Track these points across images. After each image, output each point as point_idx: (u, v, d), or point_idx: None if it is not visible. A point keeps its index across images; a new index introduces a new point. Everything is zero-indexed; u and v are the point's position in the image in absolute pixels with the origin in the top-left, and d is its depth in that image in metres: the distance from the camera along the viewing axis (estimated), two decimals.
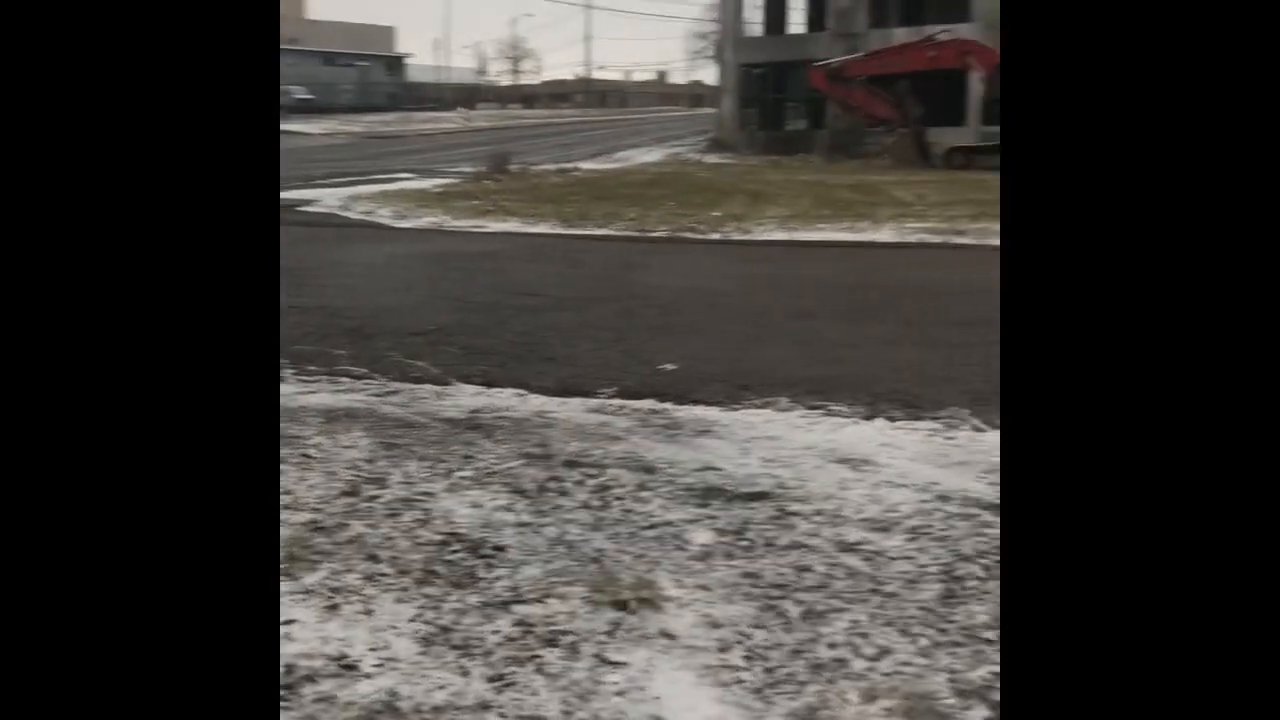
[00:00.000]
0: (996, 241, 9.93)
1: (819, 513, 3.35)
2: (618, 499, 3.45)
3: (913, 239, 10.98)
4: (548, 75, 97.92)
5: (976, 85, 26.38)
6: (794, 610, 2.71)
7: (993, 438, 4.18)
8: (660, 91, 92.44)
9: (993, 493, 3.53)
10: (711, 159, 27.81)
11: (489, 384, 4.98)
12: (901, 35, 28.94)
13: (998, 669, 2.42)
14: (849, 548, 3.09)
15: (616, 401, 4.71)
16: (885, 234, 11.37)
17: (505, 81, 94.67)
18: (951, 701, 2.32)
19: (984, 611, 2.70)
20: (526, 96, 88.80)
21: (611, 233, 11.83)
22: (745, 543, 3.12)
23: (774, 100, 32.22)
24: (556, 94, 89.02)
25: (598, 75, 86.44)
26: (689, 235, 11.59)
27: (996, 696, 2.32)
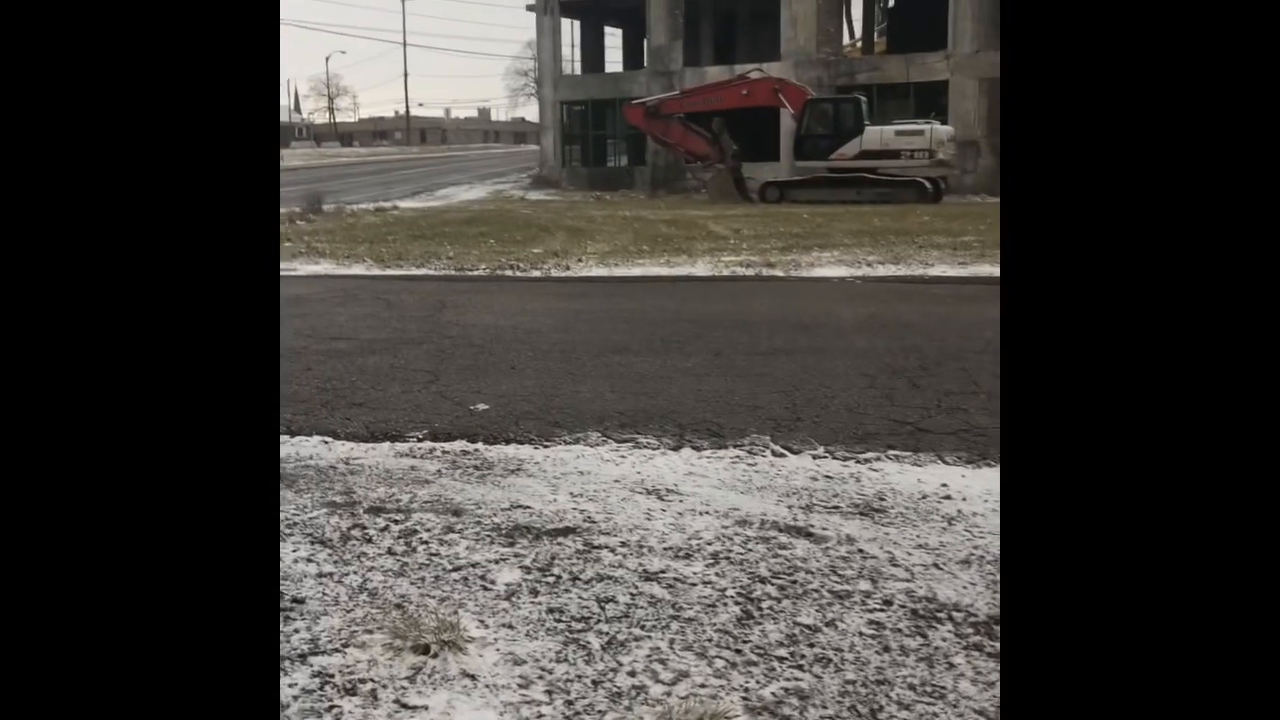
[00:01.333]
0: (805, 273, 10.29)
1: (624, 544, 3.42)
2: (423, 543, 3.44)
3: (726, 272, 11.32)
4: (365, 113, 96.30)
5: (788, 122, 27.44)
6: (596, 642, 2.76)
7: (793, 462, 4.37)
8: (482, 128, 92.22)
9: (791, 515, 3.69)
10: (534, 195, 27.95)
11: (292, 433, 4.86)
12: (715, 73, 29.93)
13: (787, 685, 2.54)
14: (651, 577, 3.17)
15: (426, 444, 4.68)
16: (701, 268, 11.68)
17: (321, 119, 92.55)
18: (744, 719, 2.42)
19: (778, 630, 2.82)
20: (344, 134, 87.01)
21: (429, 272, 11.73)
22: (551, 578, 3.16)
23: (595, 137, 32.69)
24: (375, 131, 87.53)
25: (417, 112, 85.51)
26: (508, 273, 11.61)
27: (786, 711, 2.43)
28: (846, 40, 35.89)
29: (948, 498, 3.84)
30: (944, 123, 27.18)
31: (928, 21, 30.75)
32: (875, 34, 37.71)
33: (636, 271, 11.60)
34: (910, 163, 24.58)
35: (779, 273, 11.13)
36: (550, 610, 2.94)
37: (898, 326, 7.47)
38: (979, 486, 3.96)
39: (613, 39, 37.15)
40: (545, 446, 4.64)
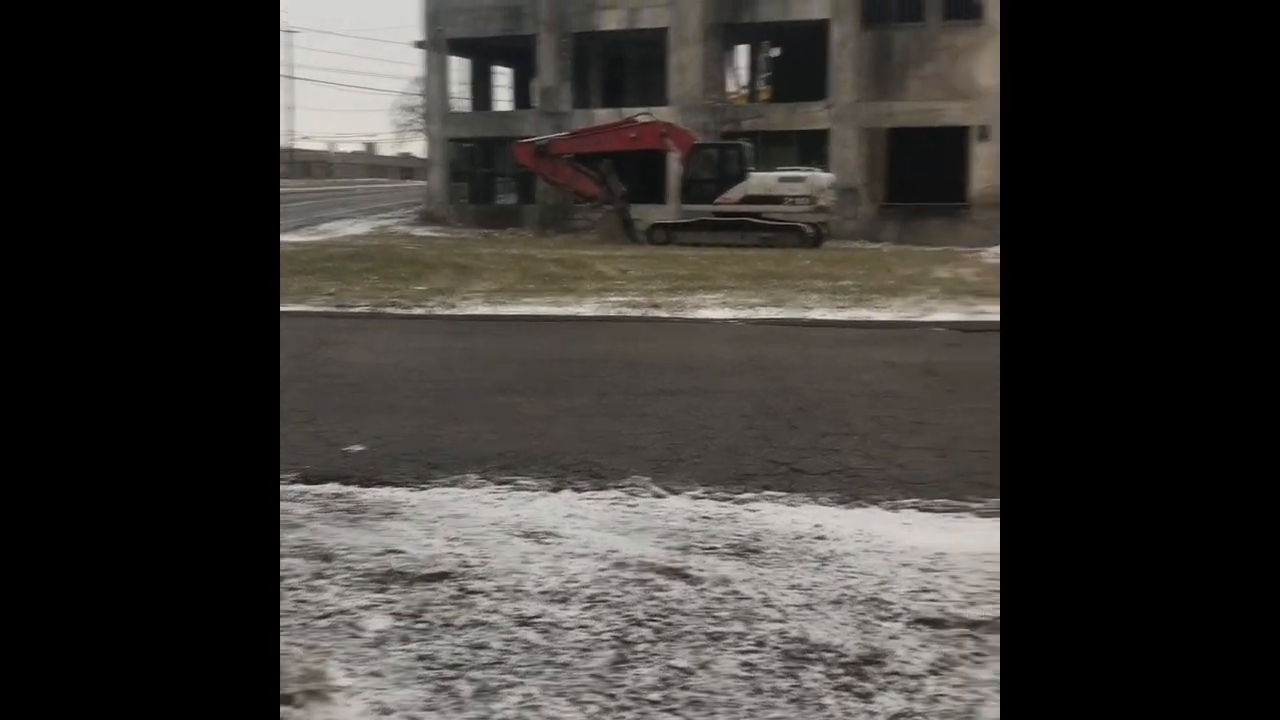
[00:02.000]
0: (689, 314, 10.40)
1: (500, 589, 3.38)
2: (290, 589, 3.33)
3: (613, 312, 11.38)
4: None
5: (675, 165, 27.84)
6: (467, 689, 2.71)
7: (672, 503, 4.39)
8: (368, 163, 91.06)
9: (668, 556, 3.70)
10: (421, 232, 27.66)
11: None
12: (604, 115, 30.20)
13: None
14: (526, 621, 3.13)
15: (298, 487, 4.55)
16: (588, 307, 11.71)
17: None
18: None
19: (652, 674, 2.81)
20: None
21: (308, 309, 11.47)
22: (423, 625, 3.10)
23: (483, 174, 32.59)
24: None
25: (301, 145, 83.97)
26: (391, 310, 11.44)
27: None
28: (732, 87, 36.70)
29: (821, 538, 3.91)
30: (825, 170, 27.97)
31: (810, 72, 31.68)
32: (760, 82, 38.68)
33: (523, 310, 11.57)
34: (793, 208, 25.18)
35: (664, 314, 11.24)
36: (421, 658, 2.88)
37: (777, 369, 7.61)
38: (851, 526, 4.04)
39: (502, 78, 37.19)
40: (422, 489, 4.56)
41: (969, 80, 29.90)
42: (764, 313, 11.28)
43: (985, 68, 29.15)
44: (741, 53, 38.06)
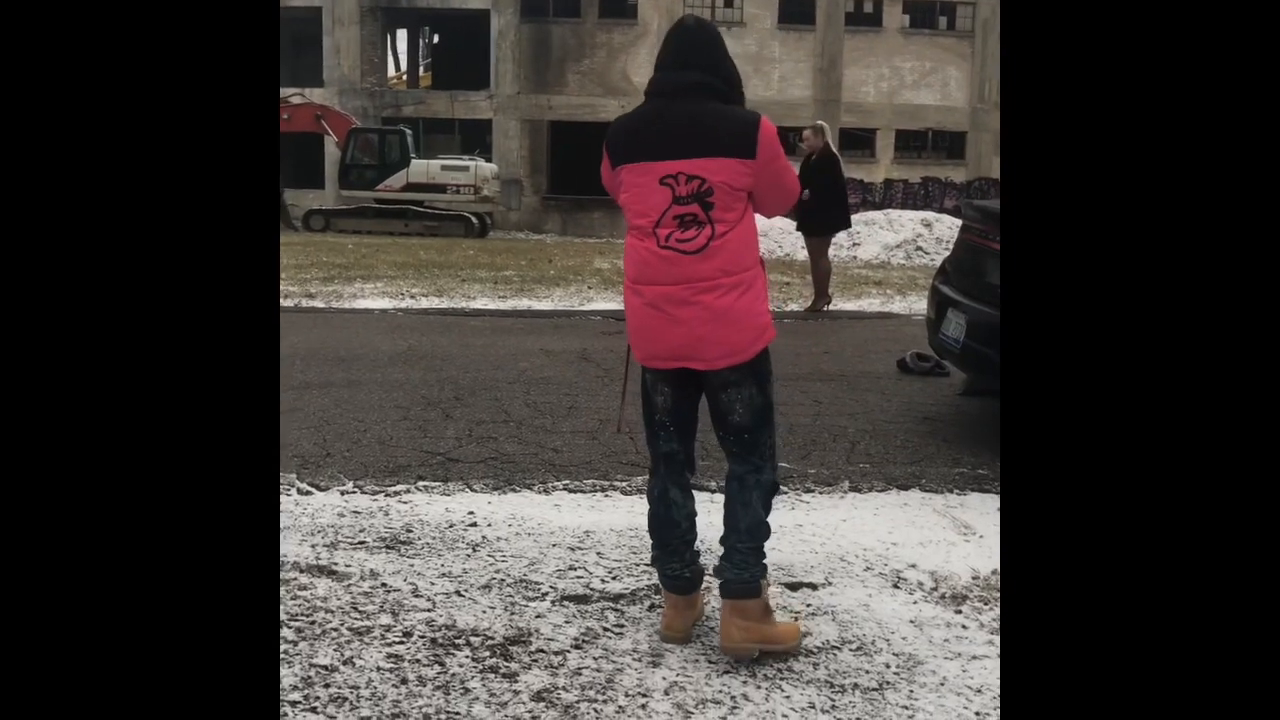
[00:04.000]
0: (347, 304, 10.07)
1: None
2: None
3: None
4: None
5: (332, 150, 26.87)
6: None
7: (320, 499, 4.24)
8: None
9: (314, 554, 3.58)
10: None
11: None
12: None
13: None
14: None
15: None
16: None
17: None
18: None
19: (293, 675, 2.72)
20: None
21: None
22: None
23: None
24: None
25: None
26: None
27: None
28: (392, 72, 35.93)
29: (474, 525, 3.94)
30: (488, 160, 28.09)
31: (471, 61, 31.64)
32: (421, 68, 38.14)
33: None
34: (456, 197, 25.10)
35: (319, 304, 10.84)
36: None
37: (436, 359, 7.57)
38: (504, 512, 4.11)
39: None
40: None
41: (625, 77, 31.12)
42: (425, 302, 11.17)
43: (639, 66, 30.47)
44: (402, 37, 37.34)
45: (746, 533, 2.91)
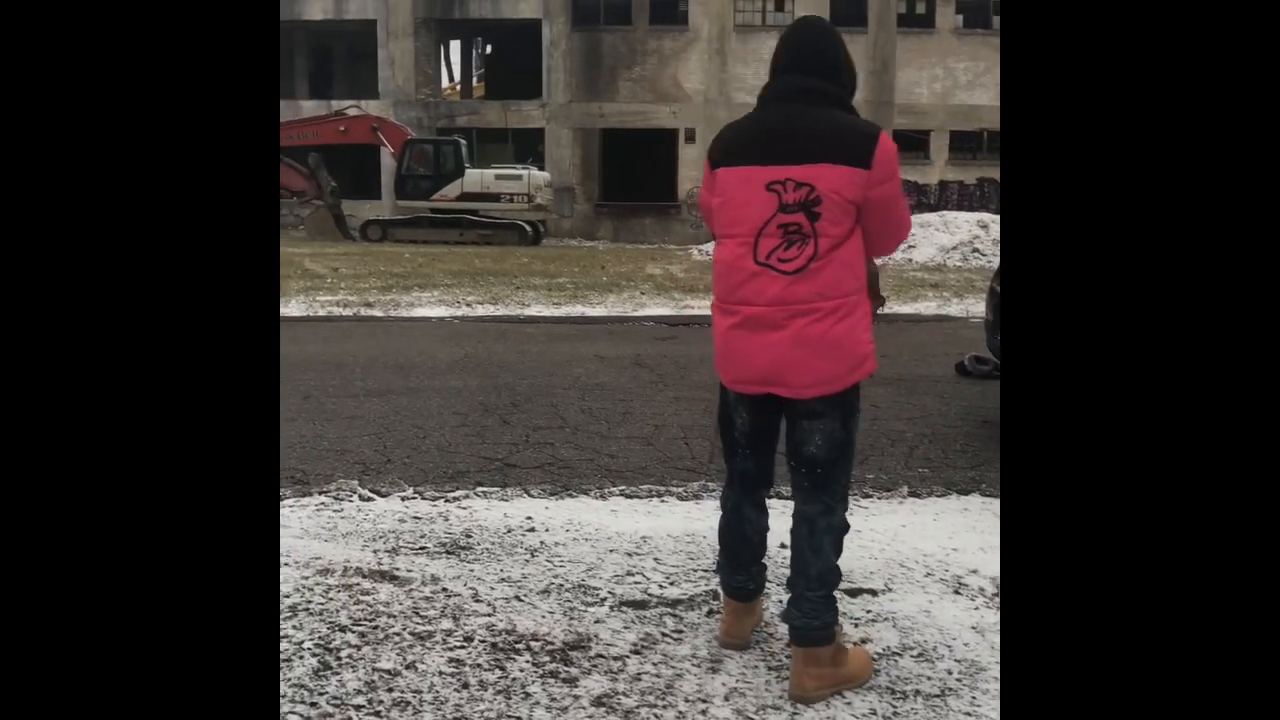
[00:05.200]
0: (404, 313, 10.23)
1: None
2: None
3: (322, 312, 10.99)
4: None
5: (389, 160, 27.20)
6: None
7: (381, 505, 4.30)
8: None
9: (376, 560, 3.63)
10: None
11: None
12: (311, 108, 29.08)
13: None
14: None
15: None
16: (294, 308, 11.24)
17: None
18: None
19: (356, 679, 2.75)
20: None
21: None
22: None
23: None
24: None
25: None
26: None
27: None
28: (445, 83, 36.34)
29: (532, 530, 3.96)
30: (541, 168, 28.26)
31: (524, 70, 31.88)
32: (474, 79, 38.53)
33: None
34: (510, 206, 25.28)
35: (377, 313, 10.98)
36: None
37: (492, 365, 7.63)
38: (561, 517, 4.13)
39: None
40: None
41: (675, 84, 31.14)
42: (481, 310, 11.27)
43: (690, 72, 30.48)
44: (455, 49, 37.75)
45: (818, 579, 2.72)
